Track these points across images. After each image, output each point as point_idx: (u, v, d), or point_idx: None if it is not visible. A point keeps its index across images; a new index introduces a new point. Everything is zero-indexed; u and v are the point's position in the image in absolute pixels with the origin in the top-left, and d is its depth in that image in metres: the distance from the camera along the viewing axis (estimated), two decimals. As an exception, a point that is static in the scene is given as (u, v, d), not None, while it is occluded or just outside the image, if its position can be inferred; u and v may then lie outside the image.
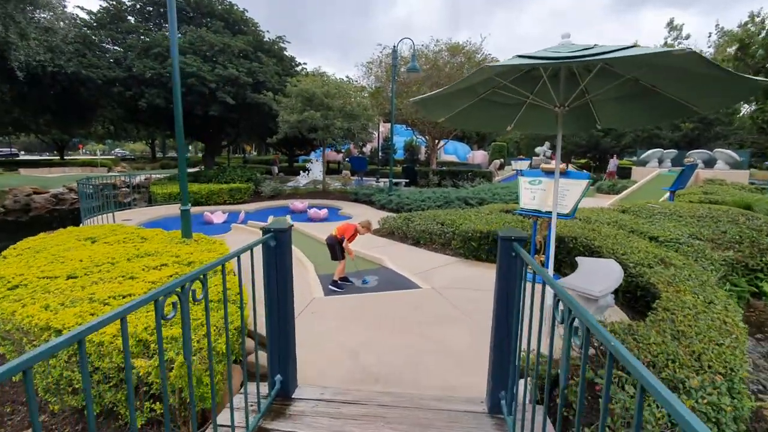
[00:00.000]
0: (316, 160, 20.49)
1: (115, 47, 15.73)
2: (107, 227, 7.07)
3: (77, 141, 56.66)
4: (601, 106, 4.18)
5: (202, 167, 19.84)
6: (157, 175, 18.36)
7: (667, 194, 11.87)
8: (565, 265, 6.10)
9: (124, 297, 3.41)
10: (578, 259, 4.87)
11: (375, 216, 10.36)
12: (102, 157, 49.64)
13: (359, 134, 13.86)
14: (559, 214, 5.34)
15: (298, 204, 13.07)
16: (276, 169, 23.23)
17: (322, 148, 15.95)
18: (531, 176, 6.09)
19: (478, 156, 33.10)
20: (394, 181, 18.78)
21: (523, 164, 22.20)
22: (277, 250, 2.73)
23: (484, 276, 5.94)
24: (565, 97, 3.69)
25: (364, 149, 29.92)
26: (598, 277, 4.09)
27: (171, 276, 4.09)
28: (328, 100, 13.36)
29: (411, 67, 12.41)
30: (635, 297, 4.82)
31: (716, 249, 6.60)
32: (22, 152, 63.79)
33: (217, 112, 15.03)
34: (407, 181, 18.83)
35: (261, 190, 15.64)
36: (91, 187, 9.78)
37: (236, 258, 2.30)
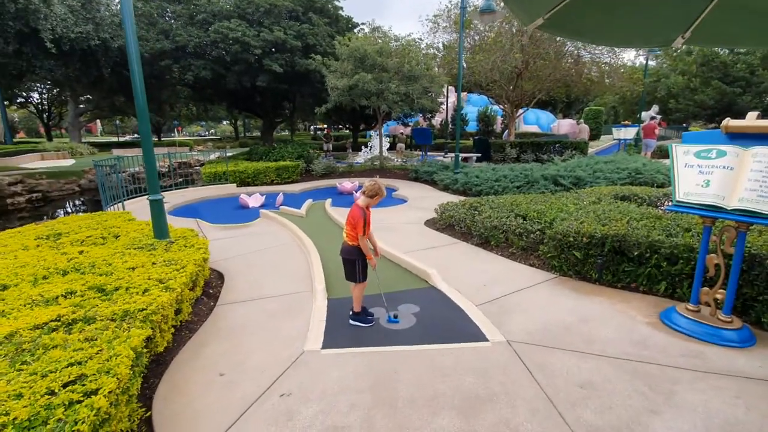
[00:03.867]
0: (376, 135, 18.46)
1: (163, 17, 15.01)
2: (98, 218, 5.83)
3: (176, 123, 61.41)
4: None
5: (261, 144, 18.97)
6: (214, 155, 17.86)
7: None
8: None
9: None
10: None
11: (436, 200, 8.09)
12: (185, 138, 52.94)
13: (419, 99, 11.43)
14: (761, 216, 2.74)
15: (347, 184, 11.25)
16: (329, 146, 21.66)
17: (379, 120, 13.83)
18: (698, 143, 3.38)
19: (565, 125, 28.30)
20: (464, 156, 16.11)
21: (629, 132, 17.86)
22: None
23: (602, 318, 3.48)
24: None
25: (433, 121, 27.12)
26: None
27: (44, 324, 2.41)
28: (382, 59, 11.09)
29: (485, 6, 9.54)
30: None
31: None
32: (135, 135, 70.52)
33: (265, 83, 13.64)
34: (479, 155, 16.00)
35: (312, 168, 14.13)
36: (108, 168, 8.77)
37: None
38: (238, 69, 13.21)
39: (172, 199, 10.44)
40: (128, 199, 10.26)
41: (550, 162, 11.59)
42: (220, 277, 4.86)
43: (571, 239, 4.34)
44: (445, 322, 3.49)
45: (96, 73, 15.82)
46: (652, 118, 23.53)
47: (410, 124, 26.15)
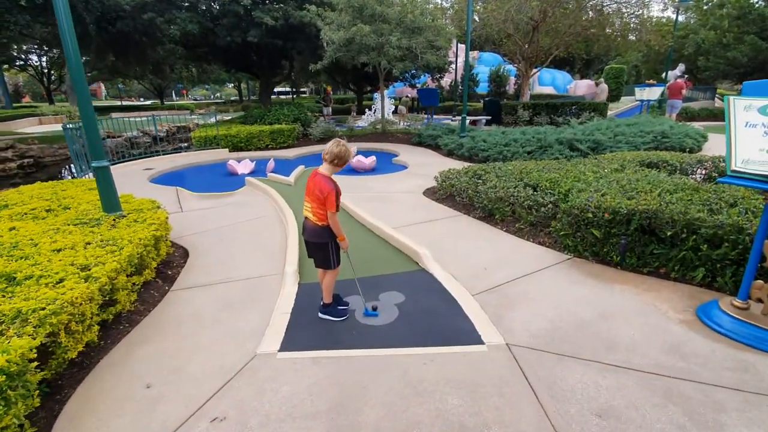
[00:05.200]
0: (385, 96, 17.28)
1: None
2: (58, 187, 5.25)
3: (180, 87, 59.81)
4: None
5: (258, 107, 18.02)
6: (213, 118, 17.02)
7: None
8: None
9: None
10: None
11: (439, 167, 7.33)
12: (190, 102, 51.56)
13: (423, 55, 10.33)
14: None
15: (345, 149, 10.46)
16: (329, 110, 20.49)
17: (380, 79, 12.78)
18: (766, 95, 2.58)
19: (582, 86, 26.52)
20: (472, 119, 15.06)
21: (653, 92, 16.48)
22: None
23: (625, 313, 2.84)
24: None
25: (442, 82, 25.60)
26: None
27: None
28: (382, 8, 9.96)
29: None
30: None
31: None
32: (142, 99, 68.62)
33: (256, 38, 12.57)
34: (488, 118, 14.91)
35: (309, 132, 13.30)
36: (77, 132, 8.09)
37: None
38: (227, 23, 12.14)
39: (159, 165, 9.85)
40: (116, 163, 9.84)
41: (566, 125, 10.60)
42: (186, 255, 4.30)
43: (590, 215, 3.63)
44: (433, 317, 2.89)
45: (79, 29, 14.83)
46: (678, 77, 21.83)
47: (418, 85, 24.71)
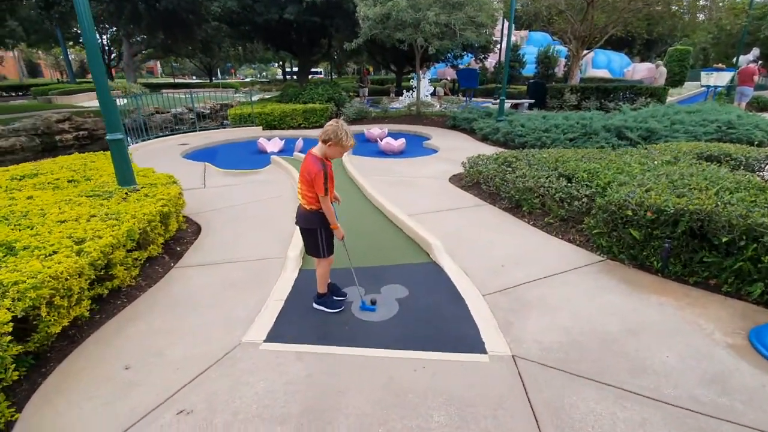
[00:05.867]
0: (424, 77, 16.62)
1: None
2: (89, 158, 5.41)
3: (229, 66, 61.35)
4: None
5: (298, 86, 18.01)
6: (256, 97, 17.23)
7: None
8: None
9: None
10: None
11: (470, 152, 6.86)
12: (232, 80, 52.63)
13: (462, 31, 9.69)
14: None
15: (375, 130, 10.19)
16: (365, 91, 20.05)
17: (417, 58, 12.24)
18: None
19: (641, 70, 24.29)
20: (513, 102, 14.22)
21: (721, 78, 14.78)
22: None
23: (661, 330, 2.45)
24: None
25: (486, 63, 24.37)
26: None
27: None
28: (421, -19, 9.40)
29: None
30: None
31: None
32: (194, 77, 71.11)
33: (293, 15, 12.40)
34: (531, 102, 13.98)
35: (343, 112, 13.10)
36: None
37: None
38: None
39: (194, 141, 10.07)
40: (159, 137, 10.33)
41: (617, 111, 9.67)
42: (198, 231, 4.28)
43: (630, 213, 3.18)
44: (435, 317, 2.63)
45: (129, 7, 15.33)
46: (751, 62, 19.46)
47: (461, 66, 23.65)
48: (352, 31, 13.98)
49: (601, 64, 25.97)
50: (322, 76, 49.03)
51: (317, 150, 2.41)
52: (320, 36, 16.70)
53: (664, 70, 16.34)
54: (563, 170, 4.53)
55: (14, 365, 1.98)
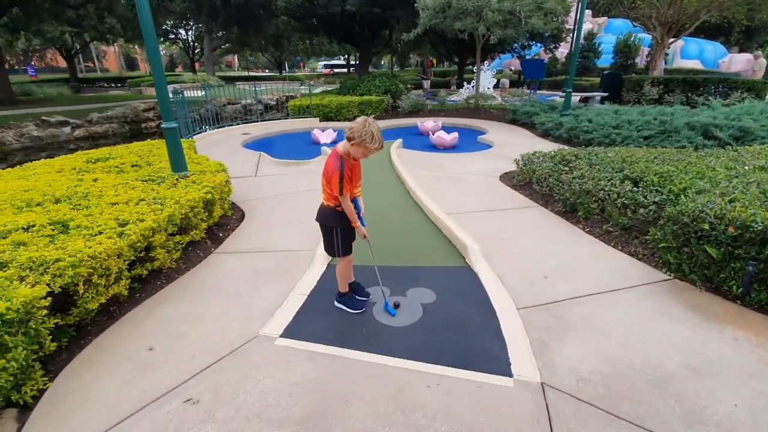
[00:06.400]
0: (483, 69, 15.90)
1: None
2: (155, 145, 5.83)
3: (298, 59, 63.91)
4: None
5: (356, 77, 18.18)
6: (320, 89, 17.71)
7: None
8: None
9: None
10: None
11: (527, 148, 6.38)
12: (299, 73, 54.56)
13: (527, 19, 9.03)
14: None
15: (429, 123, 9.94)
16: (428, 83, 19.57)
17: (477, 48, 11.69)
18: None
19: (740, 61, 21.04)
20: (584, 95, 13.11)
21: None
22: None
23: (733, 373, 2.04)
24: None
25: (557, 53, 22.70)
26: None
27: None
28: (485, -34, 8.90)
29: None
30: None
31: None
32: (266, 71, 74.97)
33: (354, 6, 12.43)
34: (604, 95, 12.76)
35: (399, 104, 12.95)
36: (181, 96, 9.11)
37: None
38: (327, -8, 12.17)
39: (255, 131, 10.52)
40: (227, 126, 10.94)
41: (706, 106, 8.48)
42: (242, 218, 4.42)
43: (707, 226, 2.70)
44: (460, 328, 2.43)
45: (208, 3, 16.41)
46: None
47: (528, 57, 22.27)
48: (413, 22, 13.72)
49: (691, 54, 23.07)
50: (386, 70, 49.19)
51: (341, 147, 2.30)
52: (381, 27, 16.65)
53: (764, 61, 14.06)
54: (630, 172, 4.01)
55: (50, 337, 2.13)
